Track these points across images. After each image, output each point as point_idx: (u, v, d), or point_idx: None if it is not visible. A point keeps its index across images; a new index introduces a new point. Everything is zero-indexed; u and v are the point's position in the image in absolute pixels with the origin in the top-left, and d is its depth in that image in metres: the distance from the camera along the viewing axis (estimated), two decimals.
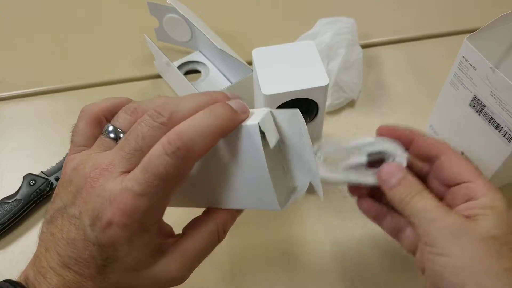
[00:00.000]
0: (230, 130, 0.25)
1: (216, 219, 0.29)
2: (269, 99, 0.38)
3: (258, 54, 0.40)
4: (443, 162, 0.30)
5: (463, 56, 0.40)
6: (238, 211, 0.30)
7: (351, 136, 0.51)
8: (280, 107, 0.39)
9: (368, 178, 0.32)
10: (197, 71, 0.60)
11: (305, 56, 0.40)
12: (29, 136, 0.54)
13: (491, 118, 0.39)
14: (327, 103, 0.52)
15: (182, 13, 0.54)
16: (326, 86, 0.38)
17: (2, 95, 0.59)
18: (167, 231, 0.28)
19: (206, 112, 0.25)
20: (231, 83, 0.56)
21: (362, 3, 0.68)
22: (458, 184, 0.29)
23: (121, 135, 0.27)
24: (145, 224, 0.25)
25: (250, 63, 0.45)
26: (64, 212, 0.25)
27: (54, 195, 0.27)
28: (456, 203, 0.29)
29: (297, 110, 0.27)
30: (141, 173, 0.23)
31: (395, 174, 0.30)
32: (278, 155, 0.29)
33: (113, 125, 0.27)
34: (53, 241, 0.25)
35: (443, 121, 0.47)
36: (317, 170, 0.28)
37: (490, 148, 0.40)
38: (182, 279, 0.27)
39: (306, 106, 0.40)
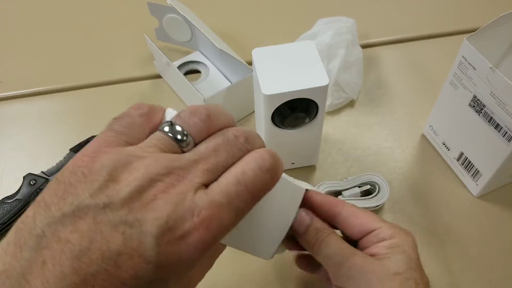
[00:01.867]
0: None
1: (218, 250, 0.29)
2: (269, 99, 0.38)
3: (258, 54, 0.40)
4: (346, 218, 0.31)
5: (462, 56, 0.40)
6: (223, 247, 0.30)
7: (351, 136, 0.51)
8: (280, 107, 0.39)
9: (368, 203, 0.44)
10: (197, 71, 0.60)
11: (305, 56, 0.40)
12: (29, 136, 0.54)
13: (491, 118, 0.39)
14: (327, 103, 0.52)
15: (182, 13, 0.54)
16: (326, 86, 0.38)
17: (2, 95, 0.59)
18: None
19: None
20: (231, 83, 0.56)
21: (362, 3, 0.68)
22: (367, 234, 0.31)
23: (187, 138, 0.22)
24: (215, 243, 0.21)
25: (250, 63, 0.45)
26: (102, 213, 0.19)
27: (61, 183, 0.20)
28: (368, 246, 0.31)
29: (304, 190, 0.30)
30: (234, 185, 0.21)
31: (302, 222, 0.31)
32: None
33: (181, 126, 0.22)
34: (63, 252, 0.18)
35: (443, 121, 0.47)
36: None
37: (489, 148, 0.40)
38: None
39: (306, 106, 0.40)
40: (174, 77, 0.55)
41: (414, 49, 0.61)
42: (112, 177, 0.19)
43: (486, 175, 0.42)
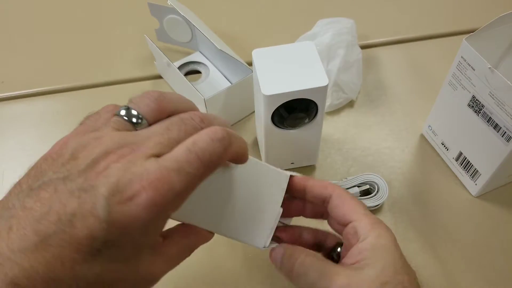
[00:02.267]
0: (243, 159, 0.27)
1: (196, 236, 0.29)
2: (269, 99, 0.38)
3: (258, 55, 0.41)
4: (333, 202, 0.31)
5: (461, 57, 0.40)
6: (211, 235, 0.30)
7: (351, 136, 0.52)
8: (280, 107, 0.39)
9: (367, 202, 0.44)
10: (198, 72, 0.60)
11: (304, 56, 0.40)
12: (29, 136, 0.54)
13: (490, 118, 0.39)
14: (327, 103, 0.52)
15: (182, 14, 0.55)
16: (326, 87, 0.38)
17: (3, 96, 0.59)
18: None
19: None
20: (231, 83, 0.56)
21: (362, 4, 0.69)
22: (347, 223, 0.30)
23: (142, 121, 0.25)
24: (168, 209, 0.22)
25: (250, 64, 0.45)
26: (61, 183, 0.21)
27: (34, 168, 0.23)
28: (351, 243, 0.30)
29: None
30: (184, 152, 0.22)
31: (276, 257, 0.31)
32: None
33: (136, 109, 0.25)
34: (26, 217, 0.21)
35: (442, 121, 0.47)
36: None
37: (488, 148, 0.41)
38: (156, 281, 0.25)
39: (306, 106, 0.40)
40: (175, 77, 0.55)
41: (414, 50, 0.62)
42: (73, 156, 0.22)
43: (485, 175, 0.43)
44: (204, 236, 0.29)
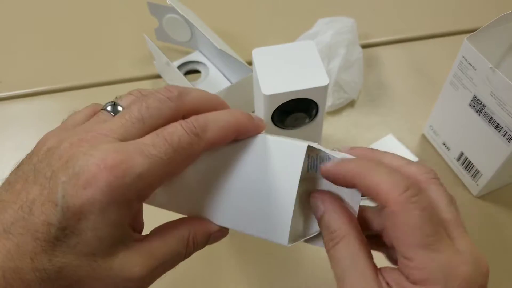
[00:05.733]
0: (245, 132, 0.25)
1: (190, 226, 0.26)
2: (269, 99, 0.38)
3: (258, 54, 0.40)
4: (387, 216, 0.22)
5: (463, 57, 0.40)
6: (222, 231, 0.27)
7: (351, 136, 0.51)
8: (280, 107, 0.39)
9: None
10: (197, 71, 0.60)
11: (305, 56, 0.40)
12: (29, 136, 0.53)
13: (491, 118, 0.39)
14: (328, 103, 0.52)
15: (182, 13, 0.54)
16: (326, 86, 0.38)
17: (2, 95, 0.59)
18: (139, 225, 0.26)
19: (224, 110, 0.25)
20: (231, 83, 0.56)
21: (362, 3, 0.68)
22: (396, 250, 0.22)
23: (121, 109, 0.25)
24: (130, 194, 0.21)
25: (250, 63, 0.45)
26: (32, 174, 0.22)
27: (17, 165, 0.24)
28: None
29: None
30: (151, 136, 0.22)
31: (315, 209, 0.25)
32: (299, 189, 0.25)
33: (121, 105, 0.25)
34: None
35: (443, 121, 0.47)
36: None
37: (490, 148, 0.40)
38: (141, 281, 0.23)
39: (306, 106, 0.40)
40: (174, 77, 0.55)
41: (414, 49, 0.61)
42: (49, 150, 0.22)
43: (486, 175, 0.42)
44: (205, 225, 0.26)
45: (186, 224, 0.26)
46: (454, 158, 0.46)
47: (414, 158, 0.46)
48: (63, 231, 0.20)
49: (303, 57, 0.40)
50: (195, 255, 0.26)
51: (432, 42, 0.62)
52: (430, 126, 0.49)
